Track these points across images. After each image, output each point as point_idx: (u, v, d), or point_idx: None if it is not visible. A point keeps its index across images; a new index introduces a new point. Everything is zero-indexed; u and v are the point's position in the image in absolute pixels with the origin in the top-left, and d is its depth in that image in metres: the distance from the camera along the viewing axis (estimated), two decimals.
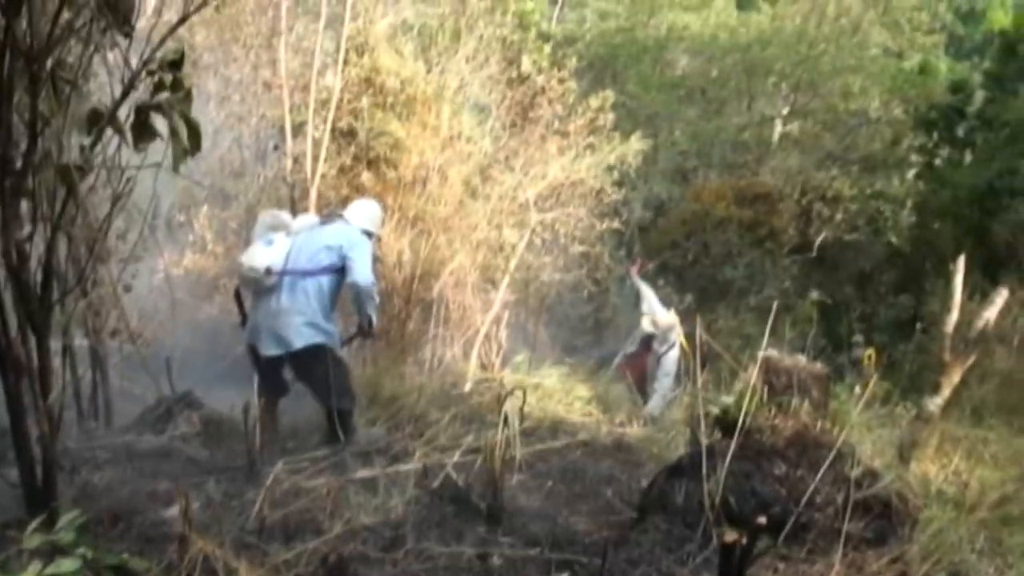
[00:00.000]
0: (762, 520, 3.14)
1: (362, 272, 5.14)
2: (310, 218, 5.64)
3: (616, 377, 8.53)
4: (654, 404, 8.05)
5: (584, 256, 10.48)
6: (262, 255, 5.10)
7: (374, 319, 5.40)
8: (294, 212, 7.03)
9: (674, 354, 8.35)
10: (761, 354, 4.60)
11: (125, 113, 3.08)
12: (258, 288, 5.15)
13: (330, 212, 5.82)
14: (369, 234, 5.46)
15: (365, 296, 5.20)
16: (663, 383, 8.23)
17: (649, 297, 8.75)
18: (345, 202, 8.07)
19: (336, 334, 5.28)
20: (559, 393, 7.48)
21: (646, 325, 8.45)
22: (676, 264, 12.12)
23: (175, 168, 2.96)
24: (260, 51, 8.55)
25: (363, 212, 5.59)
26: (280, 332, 5.04)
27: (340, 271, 5.18)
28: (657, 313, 8.52)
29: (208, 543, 3.07)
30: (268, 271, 5.05)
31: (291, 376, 5.35)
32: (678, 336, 8.41)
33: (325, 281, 5.15)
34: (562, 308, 11.63)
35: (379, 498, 4.01)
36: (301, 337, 5.02)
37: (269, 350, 5.07)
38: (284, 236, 5.24)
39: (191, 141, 2.99)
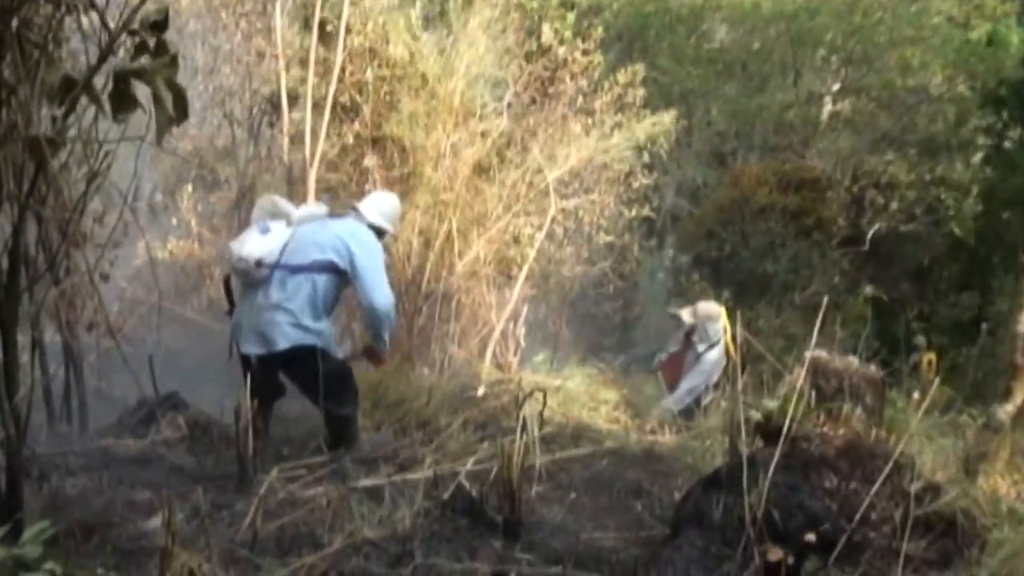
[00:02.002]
0: (810, 538, 3.11)
1: (378, 292, 5.09)
2: (316, 209, 5.54)
3: (651, 379, 8.46)
4: (675, 398, 7.94)
5: (610, 247, 10.46)
6: (255, 244, 5.04)
7: (387, 344, 5.40)
8: (291, 196, 7.05)
9: (715, 355, 8.19)
10: (808, 355, 4.56)
11: (102, 80, 3.05)
12: (248, 280, 5.12)
13: (342, 205, 5.77)
14: (381, 232, 5.41)
15: (383, 321, 5.19)
16: (693, 381, 8.09)
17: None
18: (346, 187, 8.16)
19: (330, 333, 5.23)
20: (583, 396, 7.47)
21: (686, 316, 8.34)
22: (712, 256, 12.06)
23: (159, 139, 2.94)
24: (253, 17, 8.55)
25: (379, 206, 5.52)
26: (263, 330, 5.00)
27: (341, 273, 5.13)
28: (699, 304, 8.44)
29: (194, 557, 3.05)
30: (259, 263, 5.00)
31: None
32: (723, 333, 8.26)
33: (321, 281, 5.09)
34: (586, 304, 11.61)
35: (384, 509, 4.00)
36: (286, 338, 4.99)
37: (250, 348, 5.04)
38: (283, 226, 5.18)
39: (177, 109, 2.97)
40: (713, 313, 8.28)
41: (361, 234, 5.24)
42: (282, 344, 4.99)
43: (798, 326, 10.57)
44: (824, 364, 4.54)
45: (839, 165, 14.71)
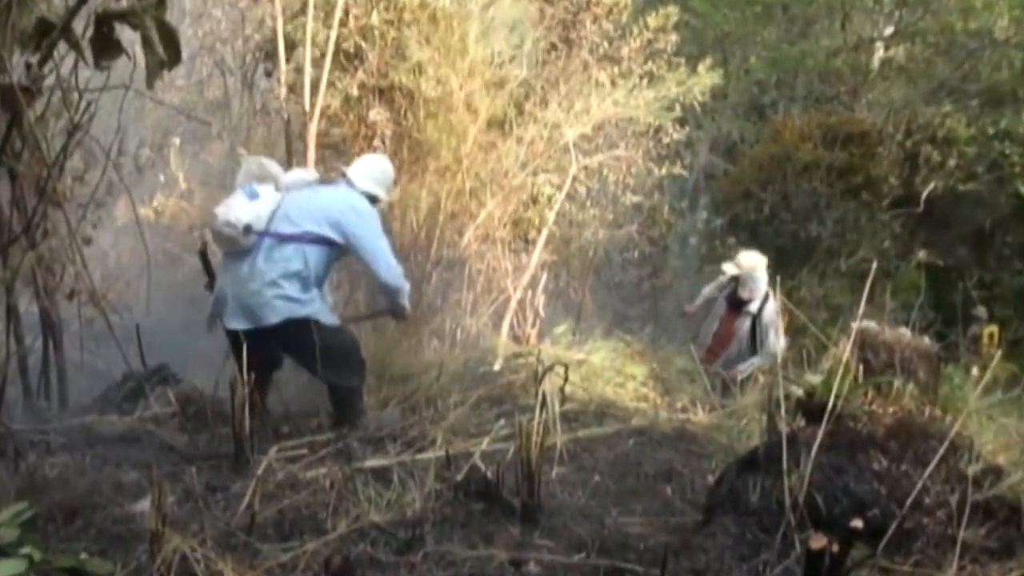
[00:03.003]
0: (857, 524, 3.09)
1: (383, 267, 5.20)
2: (305, 174, 5.56)
3: (683, 351, 8.41)
4: (757, 362, 7.92)
5: (638, 209, 10.43)
6: (243, 209, 5.00)
7: (407, 308, 5.50)
8: (289, 152, 7.04)
9: (773, 306, 8.16)
10: (855, 326, 4.54)
11: (82, 24, 3.05)
12: (232, 248, 5.09)
13: (331, 171, 5.76)
14: (374, 199, 5.43)
15: (396, 294, 5.32)
16: (774, 343, 8.00)
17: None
18: (350, 142, 8.15)
19: (323, 301, 5.26)
20: (608, 371, 7.45)
21: (730, 268, 8.26)
22: (750, 219, 12.03)
23: (149, 84, 2.95)
24: None
25: (370, 172, 5.52)
26: (248, 303, 5.01)
27: (333, 246, 5.15)
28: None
29: (186, 542, 3.08)
30: (248, 229, 4.98)
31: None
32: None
33: (313, 253, 5.10)
34: (611, 271, 11.59)
35: (392, 492, 4.02)
36: (275, 312, 5.00)
37: (235, 323, 5.04)
38: (272, 191, 5.16)
39: (168, 51, 2.98)
40: (759, 263, 8.21)
41: (357, 205, 5.25)
42: (272, 319, 5.00)
43: (844, 295, 10.55)
44: (873, 336, 4.52)
45: (891, 118, 14.59)
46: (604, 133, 9.34)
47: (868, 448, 3.82)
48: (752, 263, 8.14)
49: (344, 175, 5.48)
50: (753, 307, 8.11)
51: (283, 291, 5.01)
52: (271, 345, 5.20)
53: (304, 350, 5.05)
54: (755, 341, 8.10)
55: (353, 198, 5.29)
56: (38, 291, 5.48)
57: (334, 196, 5.29)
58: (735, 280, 8.16)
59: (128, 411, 5.28)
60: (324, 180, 5.49)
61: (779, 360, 7.41)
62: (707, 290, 8.66)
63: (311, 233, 5.08)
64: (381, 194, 5.52)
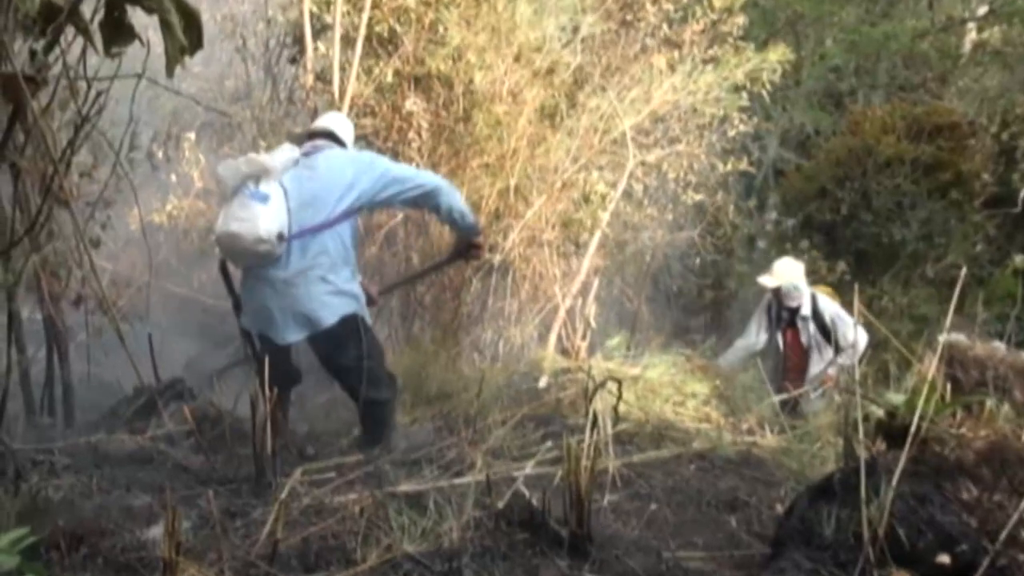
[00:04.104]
0: (944, 559, 3.08)
1: (429, 175, 5.45)
2: (290, 152, 5.37)
3: (750, 366, 8.37)
4: (843, 360, 7.88)
5: (700, 209, 10.38)
6: (268, 217, 4.97)
7: (481, 226, 5.79)
8: None
9: (825, 298, 8.18)
10: (942, 339, 4.49)
11: (91, 7, 3.07)
12: (261, 263, 5.09)
13: (309, 134, 5.68)
14: None
15: (455, 193, 5.48)
16: (850, 333, 7.95)
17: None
18: (383, 135, 8.19)
19: (363, 298, 5.34)
20: (666, 388, 7.42)
21: (768, 281, 8.27)
22: (825, 220, 11.93)
23: (169, 71, 2.97)
24: None
25: (346, 129, 5.70)
26: (301, 309, 5.07)
27: (354, 215, 5.27)
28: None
29: (202, 571, 3.11)
30: (281, 237, 5.00)
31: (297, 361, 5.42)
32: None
33: (346, 231, 5.21)
34: (670, 278, 11.54)
35: (428, 520, 4.02)
36: (330, 310, 5.07)
37: (290, 335, 5.11)
38: (275, 185, 5.09)
39: (189, 35, 2.99)
40: (797, 269, 8.26)
41: (355, 157, 5.43)
42: (329, 319, 5.09)
43: (931, 305, 10.44)
44: (963, 351, 4.47)
45: (985, 107, 14.41)
46: (664, 125, 9.30)
47: (957, 475, 3.78)
48: (791, 272, 8.21)
49: (329, 135, 5.52)
50: (806, 309, 8.15)
51: (334, 285, 5.11)
52: (324, 351, 5.26)
53: (350, 354, 5.12)
54: (831, 343, 8.10)
55: (351, 155, 5.46)
56: (42, 297, 5.53)
57: (341, 159, 5.36)
58: (774, 295, 8.23)
59: (139, 429, 5.33)
60: (308, 150, 5.40)
61: (864, 348, 7.43)
62: (754, 327, 8.65)
63: (339, 209, 5.16)
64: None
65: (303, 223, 5.07)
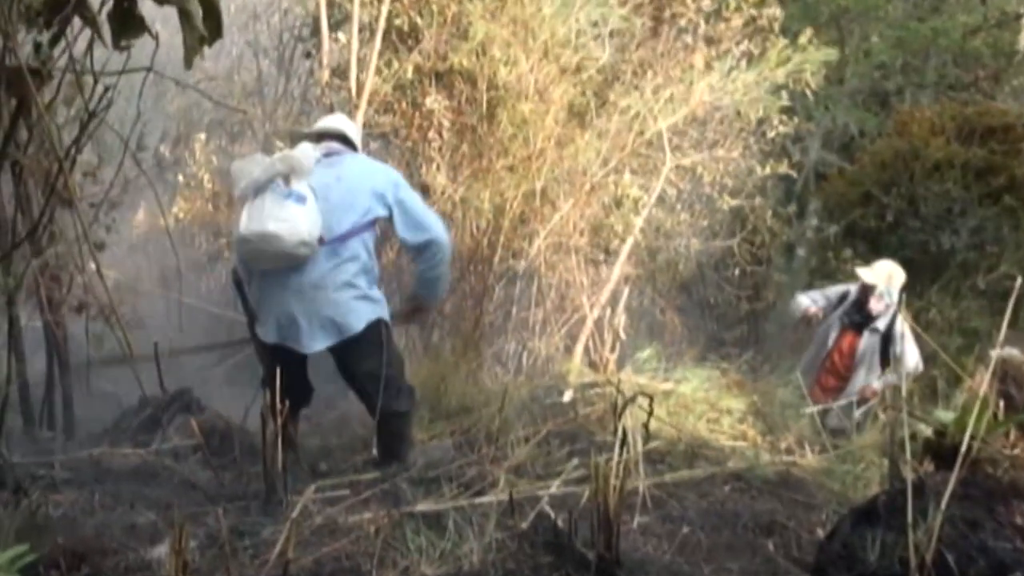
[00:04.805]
0: None
1: (436, 221, 5.36)
2: (309, 152, 5.32)
3: (790, 382, 8.31)
4: (892, 378, 7.80)
5: (737, 215, 10.37)
6: (308, 219, 4.99)
7: (446, 280, 5.65)
8: None
9: (903, 322, 8.02)
10: (995, 353, 4.47)
11: None
12: (292, 264, 5.07)
13: (319, 135, 5.63)
14: None
15: (448, 253, 5.42)
16: (912, 355, 7.87)
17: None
18: (402, 134, 8.21)
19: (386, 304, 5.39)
20: (700, 404, 7.42)
21: (867, 275, 8.08)
22: (869, 227, 11.87)
23: (187, 63, 2.97)
24: None
25: (356, 130, 5.77)
26: (328, 314, 5.09)
27: (376, 224, 5.33)
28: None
29: None
30: (321, 240, 5.05)
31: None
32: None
33: (368, 239, 5.26)
34: (704, 288, 11.53)
35: (447, 541, 4.03)
36: (358, 315, 5.11)
37: (316, 344, 5.13)
38: (306, 185, 5.11)
39: (208, 24, 2.99)
40: (899, 272, 8.11)
41: (388, 170, 5.51)
42: (357, 325, 5.12)
43: (982, 318, 10.37)
44: (1016, 367, 4.45)
45: None
46: (700, 126, 9.31)
47: (1010, 498, 3.76)
48: (892, 271, 8.06)
49: (343, 140, 5.55)
50: (881, 323, 8.03)
51: (361, 291, 5.15)
52: (347, 359, 5.27)
53: (374, 362, 5.15)
54: (886, 361, 8.01)
55: (378, 165, 5.57)
56: (42, 303, 5.54)
57: (369, 167, 5.48)
58: (862, 292, 8.08)
59: (144, 443, 5.35)
60: (328, 151, 5.43)
61: (917, 373, 7.32)
62: (820, 297, 8.48)
63: (371, 217, 5.22)
64: None
65: (333, 227, 5.11)
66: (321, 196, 5.11)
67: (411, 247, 5.40)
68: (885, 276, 7.99)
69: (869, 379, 8.06)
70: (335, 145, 5.50)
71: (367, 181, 5.27)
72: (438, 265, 5.40)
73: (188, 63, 2.92)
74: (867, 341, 8.08)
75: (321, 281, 5.07)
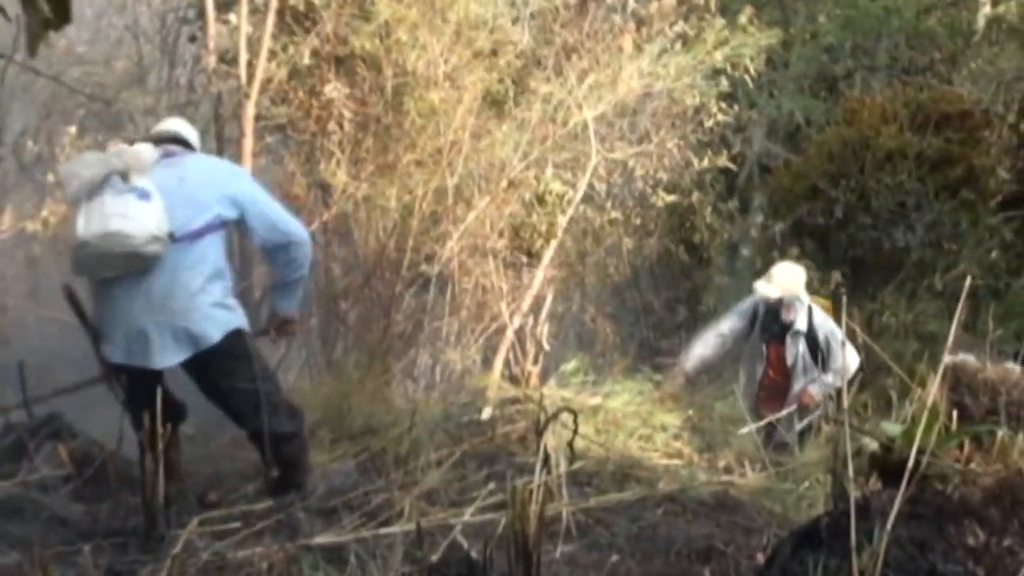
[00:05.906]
0: None
1: (292, 221, 5.38)
2: (148, 150, 5.30)
3: (728, 395, 8.41)
4: (830, 380, 8.00)
5: (673, 211, 10.45)
6: (152, 214, 4.95)
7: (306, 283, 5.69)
8: (220, 137, 7.09)
9: (821, 313, 8.18)
10: (946, 359, 4.55)
11: None
12: (139, 268, 5.00)
13: (156, 140, 5.56)
14: None
15: (308, 256, 5.46)
16: (843, 354, 7.99)
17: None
18: (299, 125, 8.18)
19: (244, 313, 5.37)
20: (631, 420, 7.47)
21: (766, 289, 8.24)
22: (817, 224, 12.03)
23: (31, 51, 2.95)
24: None
25: (195, 134, 5.75)
26: (181, 325, 5.02)
27: (224, 227, 5.32)
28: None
29: None
30: (172, 236, 4.99)
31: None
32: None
33: (218, 240, 5.26)
34: (638, 292, 11.60)
35: (349, 575, 4.03)
36: (215, 324, 5.07)
37: (168, 358, 5.05)
38: (148, 182, 5.06)
39: (54, 7, 2.97)
40: (799, 276, 8.25)
41: (229, 166, 5.64)
42: (214, 335, 5.07)
43: (940, 321, 10.53)
44: (971, 374, 4.52)
45: (1001, 93, 14.60)
46: (631, 115, 9.37)
47: (960, 518, 3.83)
48: (787, 275, 8.19)
49: (180, 142, 5.53)
50: (801, 324, 8.16)
51: (215, 297, 5.11)
52: (209, 376, 5.21)
53: (238, 375, 5.12)
54: (820, 363, 8.14)
55: (223, 163, 5.69)
56: None
57: (209, 167, 5.51)
58: (771, 305, 8.21)
59: (7, 474, 5.28)
60: (167, 152, 5.37)
61: (854, 372, 7.45)
62: (736, 319, 8.62)
63: (220, 217, 5.20)
64: None
65: (180, 225, 5.05)
66: (170, 189, 5.08)
67: (268, 249, 5.40)
68: (785, 284, 8.11)
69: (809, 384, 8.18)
70: (172, 147, 5.45)
71: (212, 180, 5.27)
72: (300, 267, 5.40)
73: (32, 50, 2.89)
74: (792, 347, 8.22)
75: (171, 287, 5.01)
